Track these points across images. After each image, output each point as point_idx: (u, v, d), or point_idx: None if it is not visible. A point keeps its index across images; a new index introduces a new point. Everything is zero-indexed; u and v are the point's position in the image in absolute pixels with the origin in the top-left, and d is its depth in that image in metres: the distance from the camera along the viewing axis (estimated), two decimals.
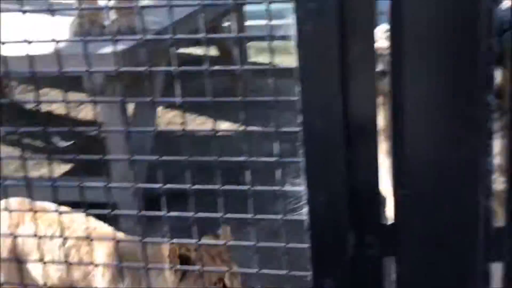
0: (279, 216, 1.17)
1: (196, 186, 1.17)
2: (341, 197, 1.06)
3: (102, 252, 2.29)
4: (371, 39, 1.00)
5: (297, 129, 1.06)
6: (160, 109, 5.19)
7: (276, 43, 1.11)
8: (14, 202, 2.30)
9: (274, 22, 1.11)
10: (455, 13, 0.94)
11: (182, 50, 6.22)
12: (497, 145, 1.06)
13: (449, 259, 1.04)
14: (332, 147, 1.04)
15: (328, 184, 1.06)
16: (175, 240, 1.33)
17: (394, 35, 0.98)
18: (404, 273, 1.07)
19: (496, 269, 1.08)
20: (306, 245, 1.10)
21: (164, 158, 1.15)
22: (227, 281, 2.22)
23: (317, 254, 1.09)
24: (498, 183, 1.07)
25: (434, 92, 0.98)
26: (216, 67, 1.08)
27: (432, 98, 0.98)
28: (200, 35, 1.09)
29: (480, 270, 1.05)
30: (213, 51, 6.06)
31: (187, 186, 1.17)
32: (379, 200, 1.09)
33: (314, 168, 1.05)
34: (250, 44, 6.28)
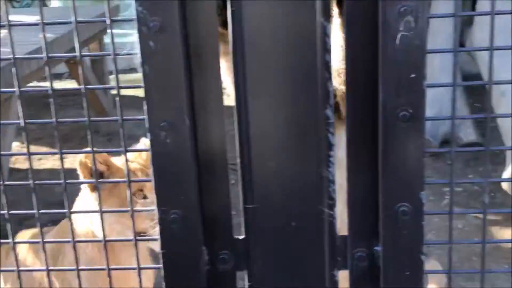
0: (131, 238, 1.16)
1: (43, 211, 1.13)
2: (193, 215, 1.07)
3: None
4: (216, 54, 1.02)
5: (146, 148, 1.06)
6: (17, 145, 4.99)
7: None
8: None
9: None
10: (291, 29, 0.99)
11: (42, 84, 6.04)
12: None
13: (297, 269, 1.07)
14: (182, 164, 1.04)
15: (180, 203, 1.06)
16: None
17: (235, 50, 1.01)
18: (256, 286, 1.09)
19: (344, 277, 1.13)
20: (159, 266, 1.09)
21: (8, 183, 1.10)
22: (147, 192, 2.18)
23: (170, 273, 1.08)
24: None
25: (276, 108, 1.02)
26: (58, 87, 1.05)
27: (273, 114, 1.02)
28: (41, 56, 1.06)
29: (327, 278, 1.09)
30: (74, 85, 5.93)
31: (34, 211, 1.13)
32: (231, 214, 1.11)
33: (165, 187, 1.05)
34: (111, 77, 6.21)
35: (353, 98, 1.01)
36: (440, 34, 4.99)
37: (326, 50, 1.00)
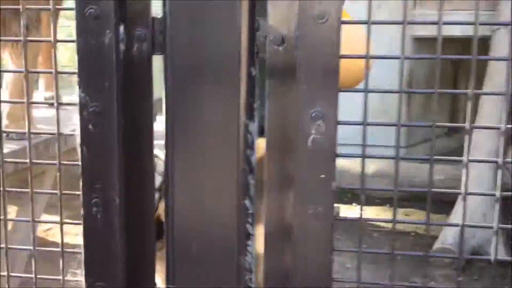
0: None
1: None
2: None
3: None
4: (150, 139, 1.11)
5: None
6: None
7: None
8: None
9: None
10: (217, 126, 1.07)
11: None
12: None
13: None
14: (110, 241, 1.12)
15: (106, 276, 1.13)
16: None
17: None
18: None
19: None
20: None
21: None
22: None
23: None
24: None
25: (198, 199, 1.09)
26: None
27: (196, 203, 1.09)
28: None
29: None
30: None
31: None
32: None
33: (92, 261, 1.13)
34: None
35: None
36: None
37: (248, 145, 1.07)
